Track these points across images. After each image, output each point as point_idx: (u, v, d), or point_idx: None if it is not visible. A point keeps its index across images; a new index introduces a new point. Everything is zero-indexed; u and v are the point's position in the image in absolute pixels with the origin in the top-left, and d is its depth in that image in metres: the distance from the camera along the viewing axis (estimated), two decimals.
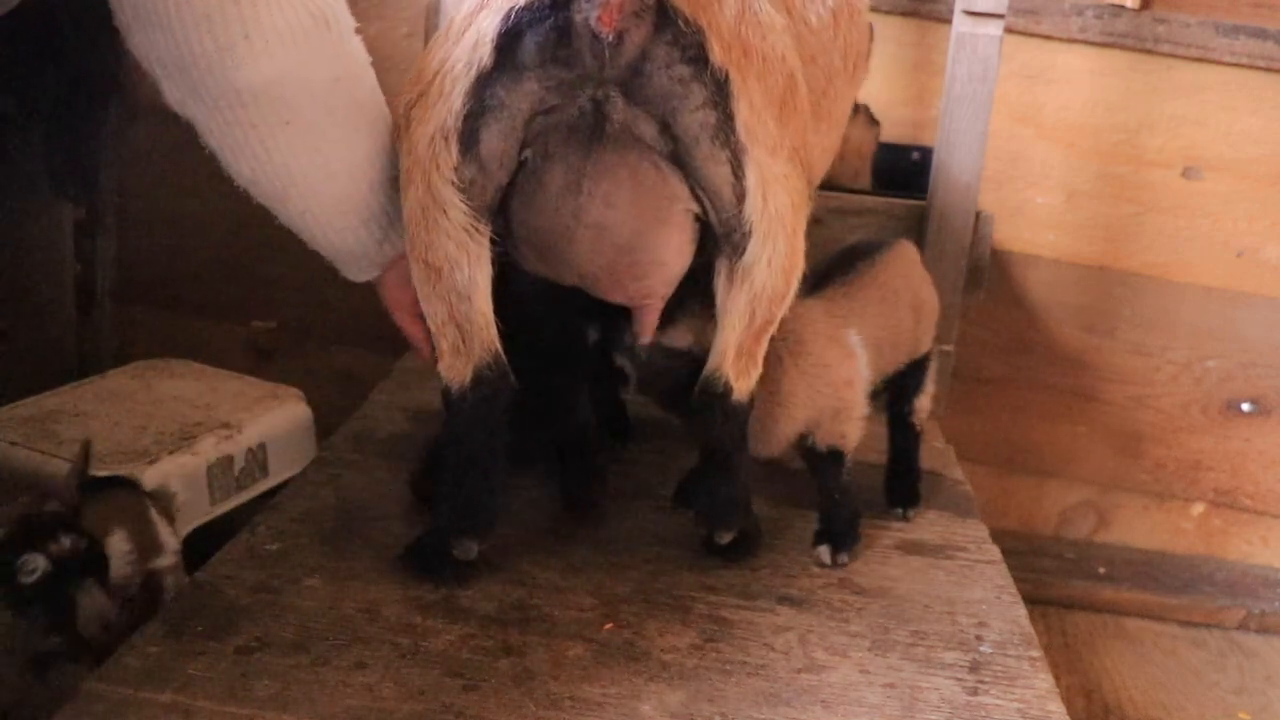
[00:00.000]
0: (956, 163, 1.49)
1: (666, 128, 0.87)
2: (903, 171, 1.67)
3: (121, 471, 1.17)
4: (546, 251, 0.94)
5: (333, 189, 0.97)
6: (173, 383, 1.45)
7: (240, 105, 0.87)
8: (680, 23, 0.85)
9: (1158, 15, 1.67)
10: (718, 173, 0.89)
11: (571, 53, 0.84)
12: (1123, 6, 1.66)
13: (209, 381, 1.47)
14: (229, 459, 1.31)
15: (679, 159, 0.89)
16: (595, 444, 1.18)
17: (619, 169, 0.89)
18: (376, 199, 1.00)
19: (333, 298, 1.87)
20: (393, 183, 0.98)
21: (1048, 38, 1.70)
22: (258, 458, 1.35)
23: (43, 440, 1.24)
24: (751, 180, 0.90)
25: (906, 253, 1.20)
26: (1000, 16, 1.45)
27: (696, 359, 0.99)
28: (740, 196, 0.90)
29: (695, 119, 0.87)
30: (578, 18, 0.83)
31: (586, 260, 0.93)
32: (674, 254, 0.94)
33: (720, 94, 0.87)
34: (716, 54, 0.86)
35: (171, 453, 1.24)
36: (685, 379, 1.00)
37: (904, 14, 1.71)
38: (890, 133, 1.75)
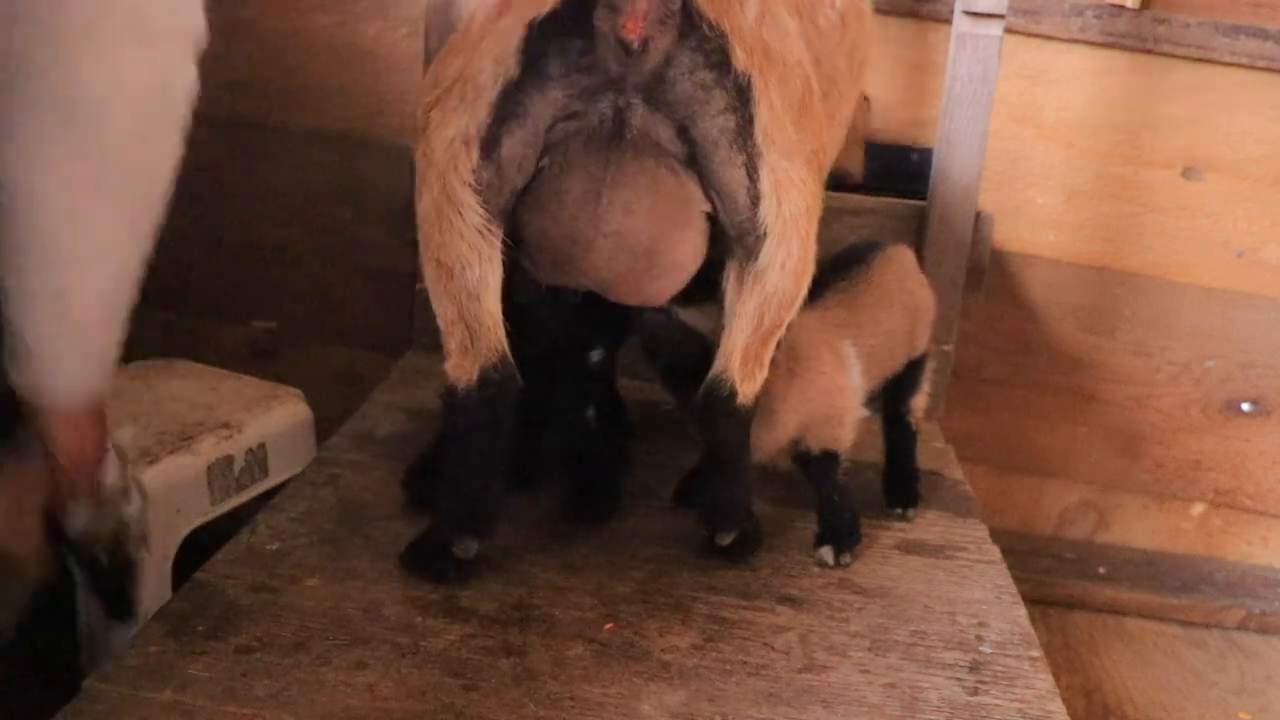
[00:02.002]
0: (956, 163, 1.49)
1: (684, 132, 0.87)
2: (902, 172, 1.67)
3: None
4: (562, 259, 0.94)
5: (67, 251, 0.83)
6: (173, 383, 1.45)
7: (55, 108, 0.77)
8: (705, 27, 0.84)
9: (1158, 15, 1.67)
10: (733, 177, 0.89)
11: (595, 60, 0.84)
12: (1123, 6, 1.66)
13: (209, 381, 1.47)
14: (229, 459, 1.31)
15: (695, 162, 0.89)
16: (603, 457, 1.18)
17: (638, 176, 0.88)
18: (101, 313, 0.85)
19: (333, 298, 1.87)
20: (116, 321, 0.86)
21: (1048, 38, 1.70)
22: (258, 458, 1.35)
23: None
24: (766, 184, 0.89)
25: (901, 257, 1.20)
26: (1000, 16, 1.45)
27: (706, 346, 0.99)
28: (755, 200, 0.90)
29: (716, 124, 0.87)
30: (603, 26, 0.82)
31: (604, 267, 0.93)
32: (690, 255, 0.94)
33: (741, 99, 0.87)
34: (740, 58, 0.86)
35: (171, 453, 1.24)
36: (689, 362, 1.00)
37: (904, 14, 1.71)
38: (890, 133, 1.75)
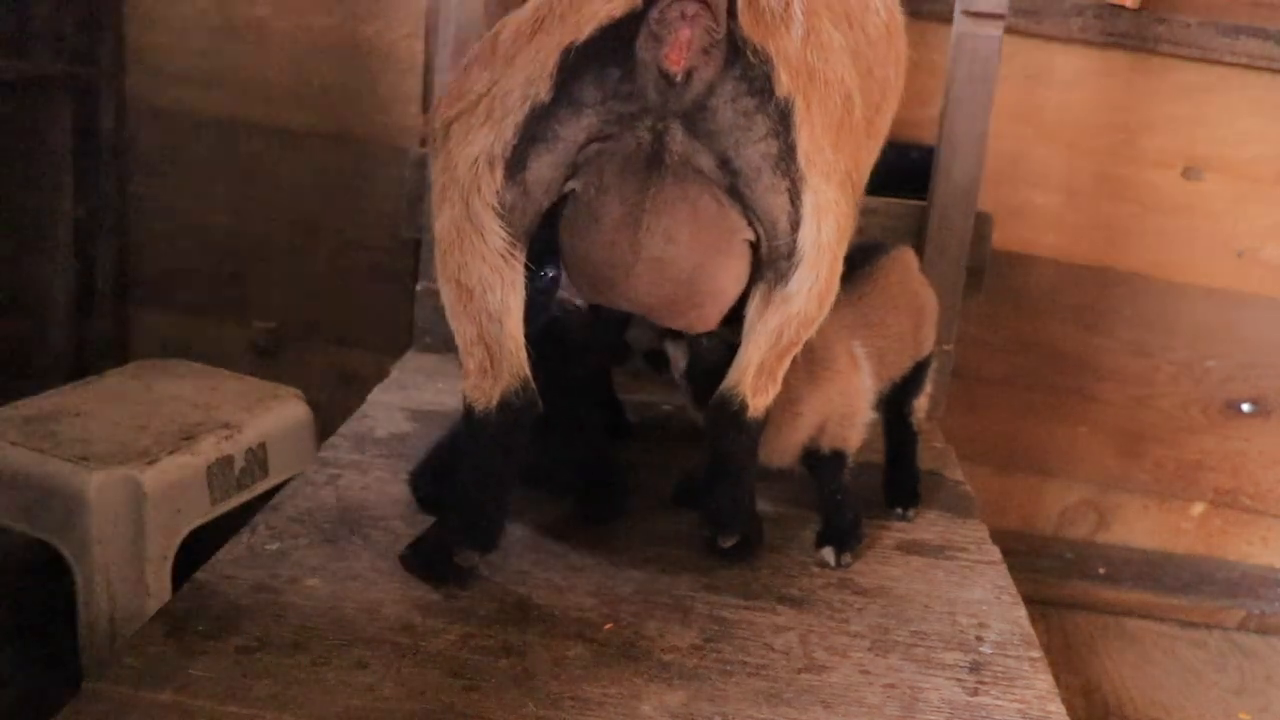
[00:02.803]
0: (956, 163, 1.49)
1: (726, 161, 0.85)
2: (902, 172, 1.67)
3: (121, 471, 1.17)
4: (601, 282, 0.92)
5: None
6: (173, 383, 1.45)
7: None
8: (749, 54, 0.82)
9: (1158, 15, 1.67)
10: (776, 203, 0.87)
11: (635, 88, 0.82)
12: (1123, 6, 1.66)
13: (209, 381, 1.47)
14: (229, 459, 1.31)
15: (737, 190, 0.87)
16: (610, 457, 1.17)
17: (679, 203, 0.86)
18: None
19: (333, 298, 1.87)
20: None
21: (1048, 38, 1.70)
22: (258, 458, 1.35)
23: (43, 440, 1.24)
24: (807, 208, 0.87)
25: (905, 259, 1.20)
26: (1000, 17, 1.45)
27: None
28: (794, 225, 0.88)
29: (758, 150, 0.85)
30: (645, 55, 0.80)
31: (645, 293, 0.91)
32: (733, 282, 0.92)
33: (784, 124, 0.84)
34: (783, 83, 0.83)
35: (171, 453, 1.24)
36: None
37: (904, 14, 1.71)
38: (890, 132, 1.74)
